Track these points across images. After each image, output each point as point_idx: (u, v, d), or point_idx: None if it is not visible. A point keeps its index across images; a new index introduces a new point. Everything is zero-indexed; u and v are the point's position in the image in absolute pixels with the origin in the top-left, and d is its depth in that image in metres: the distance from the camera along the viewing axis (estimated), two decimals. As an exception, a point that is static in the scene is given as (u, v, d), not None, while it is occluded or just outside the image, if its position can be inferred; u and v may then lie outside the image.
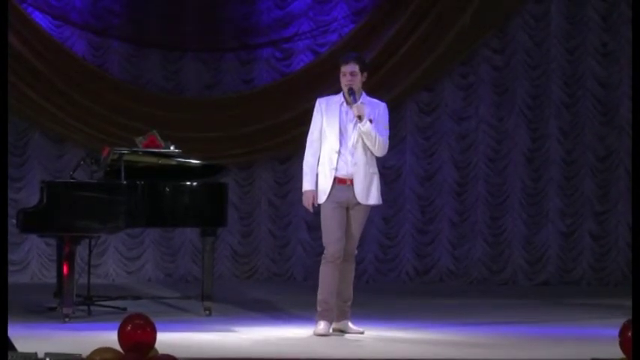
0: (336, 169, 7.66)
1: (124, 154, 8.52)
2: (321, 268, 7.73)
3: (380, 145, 7.68)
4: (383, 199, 7.94)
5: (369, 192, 7.70)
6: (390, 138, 7.91)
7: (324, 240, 7.71)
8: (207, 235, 8.76)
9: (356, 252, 7.87)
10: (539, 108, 12.22)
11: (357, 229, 7.75)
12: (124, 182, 8.36)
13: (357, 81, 7.70)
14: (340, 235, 7.64)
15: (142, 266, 11.94)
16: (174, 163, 8.81)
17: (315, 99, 7.89)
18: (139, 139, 8.81)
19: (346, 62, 7.74)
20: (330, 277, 7.67)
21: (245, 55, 12.19)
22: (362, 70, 7.73)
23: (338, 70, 7.78)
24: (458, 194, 12.23)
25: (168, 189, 8.48)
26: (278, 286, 11.62)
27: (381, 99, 7.96)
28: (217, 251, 11.19)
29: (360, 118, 7.60)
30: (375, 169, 7.77)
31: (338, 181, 7.66)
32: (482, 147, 12.23)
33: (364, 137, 7.64)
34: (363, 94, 7.78)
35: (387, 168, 11.70)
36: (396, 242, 12.20)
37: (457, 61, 12.22)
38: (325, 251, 7.70)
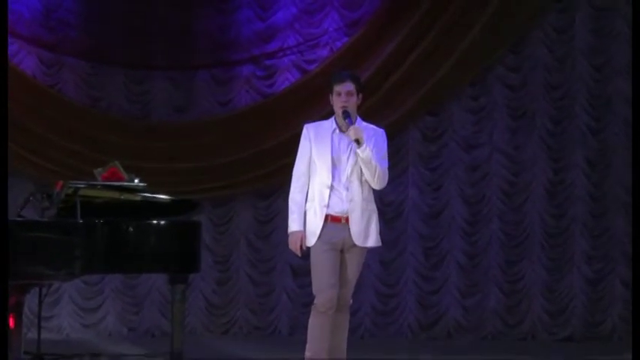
0: (328, 206, 7.62)
1: (80, 188, 8.50)
2: (311, 320, 7.69)
3: (380, 176, 7.63)
4: (382, 240, 7.92)
5: (367, 232, 7.66)
6: (390, 169, 7.87)
7: (315, 287, 7.67)
8: (177, 282, 8.73)
9: (351, 301, 7.83)
10: (562, 134, 12.24)
11: (352, 275, 7.71)
12: (81, 221, 8.32)
13: (354, 102, 7.68)
14: (333, 281, 7.59)
15: (101, 319, 11.92)
16: (138, 198, 8.81)
17: (303, 125, 7.86)
18: (97, 171, 8.82)
19: (341, 81, 7.70)
20: (320, 330, 7.63)
21: (221, 73, 12.22)
22: (358, 91, 7.72)
23: (329, 90, 7.75)
24: (468, 234, 12.23)
25: (131, 229, 8.47)
26: (259, 341, 11.60)
27: (378, 125, 7.95)
28: (189, 301, 11.17)
29: (358, 142, 7.56)
30: (374, 206, 7.73)
31: (331, 219, 7.62)
32: (496, 179, 12.25)
33: (363, 165, 7.60)
34: (358, 119, 7.75)
35: (386, 204, 11.71)
36: (396, 290, 12.18)
37: (466, 80, 12.26)
38: (315, 300, 7.65)
